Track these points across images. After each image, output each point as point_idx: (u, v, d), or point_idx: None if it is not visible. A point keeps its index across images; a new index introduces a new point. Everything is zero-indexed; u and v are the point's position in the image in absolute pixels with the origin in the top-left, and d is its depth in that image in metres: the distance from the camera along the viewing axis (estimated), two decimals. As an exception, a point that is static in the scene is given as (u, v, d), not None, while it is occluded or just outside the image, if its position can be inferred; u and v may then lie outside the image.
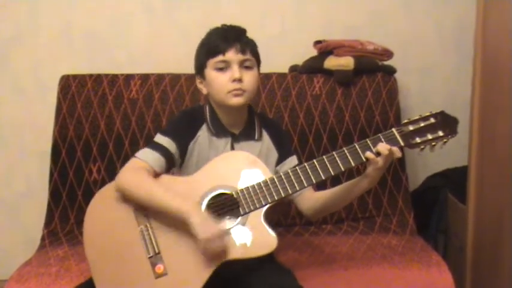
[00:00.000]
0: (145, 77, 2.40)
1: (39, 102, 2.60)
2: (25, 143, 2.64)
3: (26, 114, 2.62)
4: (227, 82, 1.73)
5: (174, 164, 1.78)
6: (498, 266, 2.07)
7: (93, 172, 2.34)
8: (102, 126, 2.35)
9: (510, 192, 1.98)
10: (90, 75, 2.39)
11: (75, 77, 2.38)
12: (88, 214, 1.75)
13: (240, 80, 1.73)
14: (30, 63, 2.60)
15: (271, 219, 1.70)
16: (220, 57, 1.74)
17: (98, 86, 2.37)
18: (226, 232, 1.63)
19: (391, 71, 2.46)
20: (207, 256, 1.61)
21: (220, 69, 1.75)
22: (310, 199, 1.80)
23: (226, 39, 1.74)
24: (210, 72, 1.76)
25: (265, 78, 2.40)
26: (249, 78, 1.75)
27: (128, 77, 2.39)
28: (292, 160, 1.86)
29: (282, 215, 2.36)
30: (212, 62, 1.75)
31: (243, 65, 1.75)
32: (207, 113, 1.82)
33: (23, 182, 2.67)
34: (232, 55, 1.73)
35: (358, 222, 2.38)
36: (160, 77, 2.40)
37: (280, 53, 2.62)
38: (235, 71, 1.73)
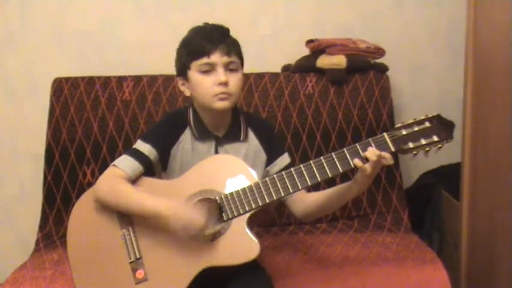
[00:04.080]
0: (138, 79, 2.39)
1: (31, 105, 2.59)
2: (18, 146, 2.63)
3: (19, 117, 2.61)
4: (212, 85, 1.68)
5: (154, 171, 1.76)
6: (493, 262, 2.07)
7: (87, 174, 2.34)
8: (95, 128, 2.34)
9: (503, 188, 1.99)
10: (83, 78, 2.38)
11: (67, 79, 2.37)
12: (72, 218, 1.74)
13: (226, 84, 1.68)
14: (22, 66, 2.59)
15: (259, 224, 1.67)
16: (205, 60, 1.68)
17: (91, 88, 2.36)
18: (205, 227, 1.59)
19: (383, 69, 2.46)
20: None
21: (205, 72, 1.69)
22: (302, 202, 1.76)
23: (211, 40, 1.68)
24: (194, 74, 1.71)
25: (257, 78, 2.41)
26: (235, 82, 1.70)
27: (121, 79, 2.39)
28: (284, 159, 1.82)
29: (277, 216, 2.37)
30: (196, 65, 1.69)
31: (228, 68, 1.69)
32: (191, 116, 1.78)
33: (16, 185, 2.67)
34: (217, 57, 1.68)
35: (353, 220, 2.38)
36: (153, 79, 2.40)
37: (273, 53, 2.62)
38: (220, 74, 1.67)
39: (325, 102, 2.40)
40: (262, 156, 1.82)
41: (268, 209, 1.76)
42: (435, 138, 1.59)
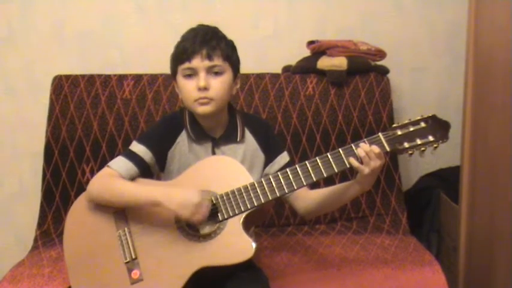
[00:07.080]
0: (138, 78, 2.39)
1: (31, 103, 2.59)
2: (18, 144, 2.63)
3: (19, 115, 2.61)
4: (193, 90, 1.68)
5: (150, 172, 1.76)
6: (491, 265, 2.07)
7: (86, 172, 2.33)
8: (95, 127, 2.34)
9: (503, 192, 1.99)
10: (83, 76, 2.38)
11: (67, 77, 2.37)
12: (68, 219, 1.75)
13: (205, 89, 1.67)
14: (23, 64, 2.59)
15: (256, 225, 1.67)
16: (186, 65, 1.68)
17: (91, 86, 2.36)
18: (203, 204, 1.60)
19: (384, 71, 2.47)
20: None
21: (188, 76, 1.69)
22: (304, 198, 1.77)
23: (193, 44, 1.68)
24: (180, 78, 1.72)
25: (258, 78, 2.40)
26: (217, 85, 1.68)
27: (121, 78, 2.39)
28: (283, 157, 1.82)
29: (275, 216, 2.36)
30: (180, 69, 1.71)
31: (211, 72, 1.69)
32: (187, 118, 1.78)
33: (15, 183, 2.66)
34: (198, 62, 1.67)
35: (352, 222, 2.38)
36: (153, 78, 2.40)
37: (274, 54, 2.62)
38: (200, 79, 1.67)
39: (325, 104, 2.40)
40: (260, 156, 1.82)
41: (264, 209, 1.77)
42: (431, 138, 1.60)
